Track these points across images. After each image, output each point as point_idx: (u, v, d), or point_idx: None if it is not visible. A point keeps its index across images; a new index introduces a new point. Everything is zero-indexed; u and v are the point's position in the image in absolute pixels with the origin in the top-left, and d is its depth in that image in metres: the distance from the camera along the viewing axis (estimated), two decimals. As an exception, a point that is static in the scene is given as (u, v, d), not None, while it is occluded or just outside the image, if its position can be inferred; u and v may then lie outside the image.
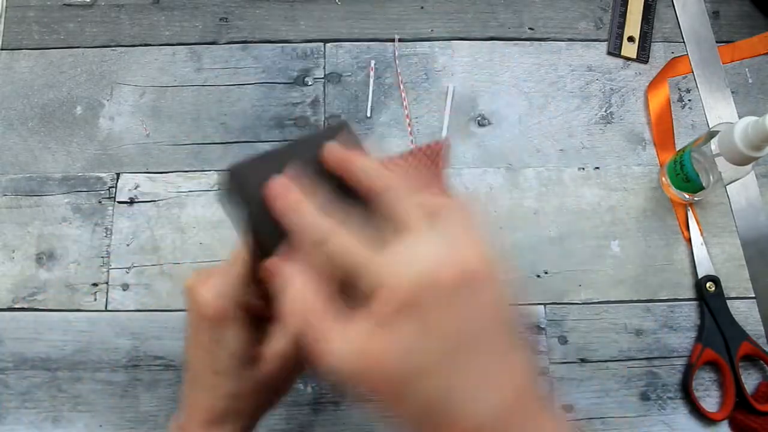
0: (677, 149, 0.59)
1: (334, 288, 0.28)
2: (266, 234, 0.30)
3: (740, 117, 0.57)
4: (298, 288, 0.28)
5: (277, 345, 0.33)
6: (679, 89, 0.62)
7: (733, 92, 0.62)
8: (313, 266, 0.28)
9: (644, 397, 0.54)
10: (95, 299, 0.55)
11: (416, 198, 0.28)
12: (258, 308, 0.34)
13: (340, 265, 0.27)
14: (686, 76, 0.62)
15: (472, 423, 0.26)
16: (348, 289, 0.27)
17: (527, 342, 0.27)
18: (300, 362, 0.33)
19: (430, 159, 0.38)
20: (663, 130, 0.61)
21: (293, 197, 0.29)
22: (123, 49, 0.62)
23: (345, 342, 0.26)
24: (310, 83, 0.61)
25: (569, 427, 0.28)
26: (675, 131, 0.61)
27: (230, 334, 0.33)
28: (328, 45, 0.63)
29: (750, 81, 0.62)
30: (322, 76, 0.62)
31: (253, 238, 0.32)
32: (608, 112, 0.61)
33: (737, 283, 0.57)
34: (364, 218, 0.29)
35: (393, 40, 0.63)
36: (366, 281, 0.26)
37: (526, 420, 0.27)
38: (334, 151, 0.31)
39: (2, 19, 0.63)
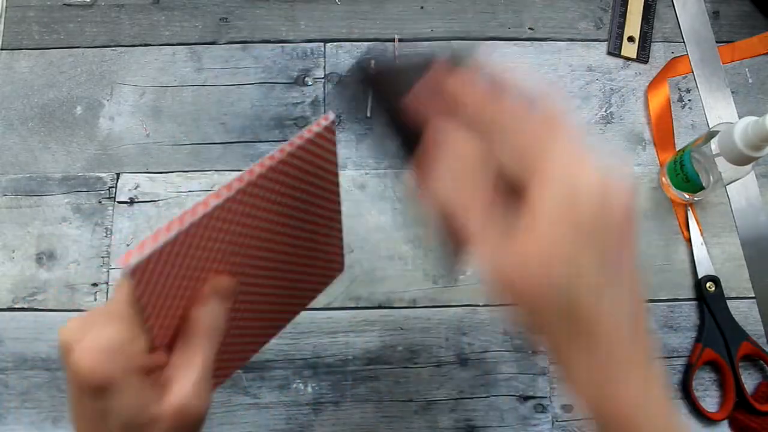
0: (677, 149, 0.59)
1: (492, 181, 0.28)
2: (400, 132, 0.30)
3: (740, 117, 0.57)
4: (459, 178, 0.28)
5: (175, 400, 0.28)
6: (679, 89, 0.62)
7: (733, 92, 0.62)
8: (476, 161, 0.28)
9: None
10: (95, 299, 0.55)
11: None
12: (154, 360, 0.29)
13: (510, 158, 0.27)
14: (686, 76, 0.62)
15: (612, 344, 0.28)
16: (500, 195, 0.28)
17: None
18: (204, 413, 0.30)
19: (322, 144, 0.34)
20: (663, 130, 0.61)
21: (461, 82, 0.29)
22: (123, 49, 0.62)
23: (502, 253, 0.27)
24: (310, 83, 0.61)
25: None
26: (675, 131, 0.61)
27: (119, 402, 0.27)
28: (328, 45, 0.63)
29: (750, 81, 0.62)
30: (322, 76, 0.62)
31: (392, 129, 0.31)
32: (608, 112, 0.61)
33: (737, 283, 0.57)
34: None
35: (393, 40, 0.63)
36: (536, 186, 0.27)
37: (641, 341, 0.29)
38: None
39: (2, 19, 0.63)
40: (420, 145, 0.30)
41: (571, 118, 0.28)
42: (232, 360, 0.38)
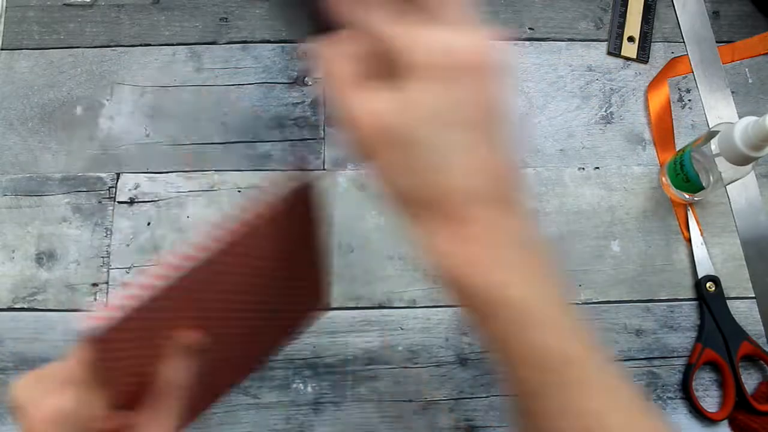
0: (677, 149, 0.59)
1: (369, 67, 0.28)
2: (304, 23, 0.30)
3: (740, 117, 0.56)
4: (335, 60, 0.28)
5: None
6: (679, 89, 0.62)
7: (733, 92, 0.62)
8: (352, 46, 0.28)
9: (644, 397, 0.54)
10: (95, 299, 0.55)
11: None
12: (116, 422, 0.29)
13: (378, 40, 0.27)
14: (686, 76, 0.62)
15: (454, 192, 0.26)
16: (381, 71, 0.28)
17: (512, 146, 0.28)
18: None
19: (295, 208, 0.33)
20: (663, 130, 0.61)
21: None
22: (123, 49, 0.62)
23: (361, 101, 0.27)
24: (310, 83, 0.61)
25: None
26: (675, 131, 0.61)
27: None
28: (328, 45, 0.62)
29: (750, 81, 0.62)
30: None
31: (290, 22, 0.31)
32: (608, 112, 0.61)
33: (737, 283, 0.57)
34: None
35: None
36: (397, 52, 0.27)
37: (508, 210, 0.27)
38: None
39: (2, 19, 0.63)
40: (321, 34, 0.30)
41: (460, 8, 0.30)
42: (201, 404, 0.38)
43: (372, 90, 0.27)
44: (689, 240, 0.58)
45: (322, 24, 0.30)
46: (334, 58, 0.28)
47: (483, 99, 0.27)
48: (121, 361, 0.29)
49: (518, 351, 0.27)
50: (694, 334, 0.55)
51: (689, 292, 0.57)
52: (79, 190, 0.58)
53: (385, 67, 0.27)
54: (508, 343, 0.27)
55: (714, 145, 0.50)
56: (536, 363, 0.27)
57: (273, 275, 0.35)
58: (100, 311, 0.26)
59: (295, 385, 0.53)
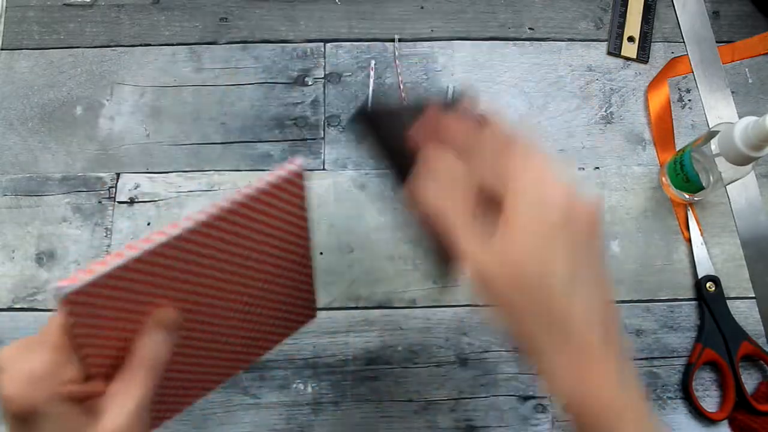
0: (677, 149, 0.59)
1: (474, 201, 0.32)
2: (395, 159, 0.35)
3: (740, 117, 0.57)
4: (449, 181, 0.32)
5: (109, 427, 0.29)
6: (679, 89, 0.62)
7: (733, 92, 0.62)
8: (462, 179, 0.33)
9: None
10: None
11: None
12: (88, 389, 0.30)
13: (489, 175, 0.32)
14: (686, 76, 0.62)
15: (585, 337, 0.30)
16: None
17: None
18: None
19: (289, 189, 0.34)
20: (663, 130, 0.61)
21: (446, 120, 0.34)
22: (123, 49, 0.62)
23: (480, 244, 0.31)
24: (310, 83, 0.61)
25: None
26: (675, 131, 0.61)
27: (47, 429, 0.27)
28: (328, 45, 0.63)
29: (750, 81, 0.62)
30: (322, 76, 0.62)
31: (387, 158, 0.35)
32: (608, 112, 0.61)
33: (737, 283, 0.57)
34: None
35: (393, 40, 0.63)
36: (510, 198, 0.30)
37: (613, 346, 0.31)
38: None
39: (2, 19, 0.63)
40: (413, 169, 0.34)
41: (541, 147, 0.32)
42: (181, 398, 0.38)
43: (487, 238, 0.31)
44: (689, 240, 0.58)
45: (400, 155, 0.34)
46: (444, 185, 0.33)
47: (594, 255, 0.31)
48: (96, 327, 0.29)
49: None
50: (694, 334, 0.55)
51: (689, 292, 0.57)
52: (79, 190, 0.58)
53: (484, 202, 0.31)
54: None
55: (714, 145, 0.50)
56: None
57: (259, 267, 0.36)
58: (75, 274, 0.27)
59: (295, 385, 0.53)
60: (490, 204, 0.32)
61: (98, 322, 0.29)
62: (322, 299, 0.54)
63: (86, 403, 0.29)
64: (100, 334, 0.30)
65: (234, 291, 0.35)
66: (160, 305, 0.32)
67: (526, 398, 0.54)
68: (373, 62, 0.62)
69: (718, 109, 0.61)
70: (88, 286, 0.28)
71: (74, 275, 0.27)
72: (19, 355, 0.28)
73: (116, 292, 0.29)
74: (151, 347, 0.31)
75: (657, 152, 0.60)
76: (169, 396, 0.36)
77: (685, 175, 0.54)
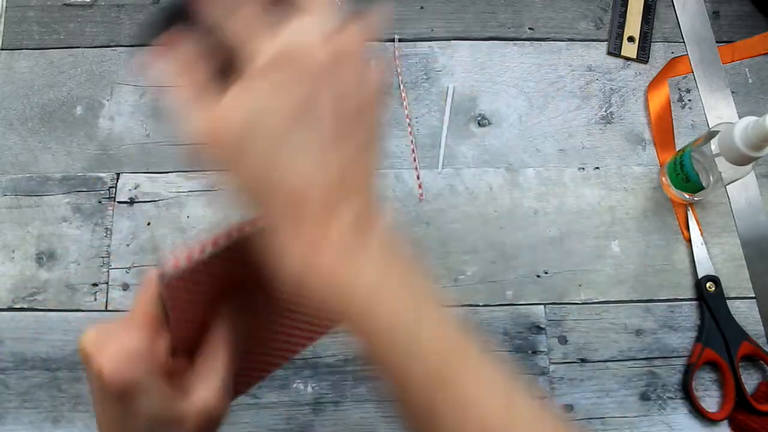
0: (677, 149, 0.59)
1: (215, 69, 0.28)
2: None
3: (740, 117, 0.57)
4: (175, 65, 0.28)
5: (199, 401, 0.29)
6: (679, 89, 0.62)
7: (733, 92, 0.62)
8: (202, 47, 0.28)
9: (644, 397, 0.54)
10: (95, 299, 0.55)
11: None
12: (174, 365, 0.30)
13: (229, 47, 0.27)
14: (686, 76, 0.62)
15: (292, 191, 0.26)
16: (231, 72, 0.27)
17: (377, 140, 0.28)
18: (227, 406, 0.32)
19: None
20: (663, 130, 0.61)
21: None
22: (123, 49, 0.62)
23: (203, 107, 0.27)
24: (310, 83, 0.61)
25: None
26: (675, 131, 0.61)
27: (144, 404, 0.28)
28: (328, 45, 0.62)
29: (750, 81, 0.62)
30: (322, 76, 0.62)
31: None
32: (608, 112, 0.61)
33: (737, 283, 0.57)
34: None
35: (393, 40, 0.63)
36: (246, 55, 0.26)
37: (350, 208, 0.27)
38: None
39: (2, 19, 0.63)
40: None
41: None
42: (247, 377, 0.39)
43: (213, 96, 0.27)
44: (689, 240, 0.58)
45: (179, 21, 0.29)
46: (177, 64, 0.29)
47: (323, 97, 0.26)
48: (184, 309, 0.30)
49: (391, 348, 0.28)
50: (694, 334, 0.55)
51: (689, 292, 0.57)
52: (79, 190, 0.58)
53: (231, 69, 0.27)
54: (378, 337, 0.28)
55: (714, 145, 0.50)
56: (414, 359, 0.27)
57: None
58: (180, 255, 0.28)
59: (295, 385, 0.53)
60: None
61: (186, 304, 0.30)
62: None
63: (173, 378, 0.30)
64: (185, 315, 0.31)
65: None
66: (233, 288, 0.33)
67: (526, 398, 0.54)
68: (373, 62, 0.62)
69: (718, 109, 0.61)
70: (188, 272, 0.28)
71: (175, 256, 0.28)
72: (112, 333, 0.28)
73: (204, 277, 0.30)
74: (230, 328, 0.32)
75: (657, 152, 0.60)
76: (241, 375, 0.37)
77: (685, 175, 0.54)
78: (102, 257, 0.56)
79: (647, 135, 0.61)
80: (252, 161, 0.26)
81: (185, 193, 0.58)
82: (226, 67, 0.28)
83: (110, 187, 0.58)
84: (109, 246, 0.57)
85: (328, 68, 0.26)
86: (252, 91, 0.26)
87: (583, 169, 0.60)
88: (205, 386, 0.30)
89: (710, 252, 0.57)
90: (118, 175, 0.59)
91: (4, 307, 0.55)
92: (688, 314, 0.56)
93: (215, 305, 0.32)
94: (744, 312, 0.56)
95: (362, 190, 0.28)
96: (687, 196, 0.57)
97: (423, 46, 0.63)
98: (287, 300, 0.37)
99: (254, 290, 0.34)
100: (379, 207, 0.28)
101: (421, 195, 0.58)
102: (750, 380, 0.55)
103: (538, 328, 0.55)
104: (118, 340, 0.28)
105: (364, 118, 0.27)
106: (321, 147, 0.26)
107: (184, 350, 0.32)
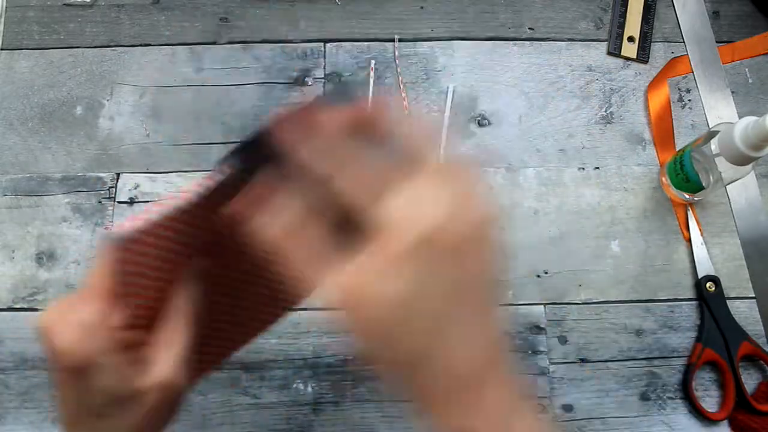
0: (677, 149, 0.59)
1: (326, 228, 0.27)
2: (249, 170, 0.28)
3: (740, 117, 0.57)
4: (289, 218, 0.27)
5: (158, 375, 0.29)
6: (679, 89, 0.62)
7: (733, 92, 0.62)
8: (308, 203, 0.27)
9: (644, 397, 0.54)
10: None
11: (433, 148, 0.28)
12: (132, 337, 0.29)
13: (343, 204, 0.26)
14: (686, 76, 0.62)
15: (453, 372, 0.26)
16: (340, 232, 0.27)
17: (499, 304, 0.29)
18: (191, 380, 0.31)
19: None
20: (663, 130, 0.61)
21: (301, 131, 0.27)
22: (123, 49, 0.62)
23: (341, 274, 0.26)
24: (310, 83, 0.61)
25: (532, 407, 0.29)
26: (675, 131, 0.61)
27: (100, 379, 0.27)
28: (328, 45, 0.63)
29: (750, 81, 0.62)
30: (322, 76, 0.62)
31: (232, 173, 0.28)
32: (608, 112, 0.61)
33: (737, 283, 0.57)
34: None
35: (393, 40, 0.63)
36: (371, 222, 0.26)
37: (498, 377, 0.28)
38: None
39: (2, 19, 0.63)
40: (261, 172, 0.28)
41: (433, 156, 0.27)
42: (213, 353, 0.38)
43: (349, 259, 0.26)
44: (689, 240, 0.58)
45: (263, 157, 0.28)
46: (282, 225, 0.27)
47: (479, 272, 0.27)
48: (139, 276, 0.29)
49: None
50: (694, 334, 0.55)
51: (689, 292, 0.57)
52: (79, 190, 0.58)
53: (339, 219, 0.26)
54: None
55: (714, 145, 0.50)
56: None
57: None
58: (127, 221, 0.27)
59: (295, 385, 0.53)
60: (346, 224, 0.27)
61: (142, 270, 0.29)
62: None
63: (131, 351, 0.29)
64: (142, 283, 0.29)
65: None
66: (191, 258, 0.31)
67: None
68: (373, 62, 0.62)
69: (718, 109, 0.61)
70: (139, 233, 0.27)
71: (123, 223, 0.27)
72: (66, 307, 0.27)
73: (160, 241, 0.29)
74: (189, 298, 0.31)
75: (657, 152, 0.60)
76: (207, 347, 0.36)
77: (685, 175, 0.54)
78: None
79: (647, 135, 0.61)
80: (412, 340, 0.26)
81: (185, 193, 0.58)
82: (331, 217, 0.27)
83: (110, 187, 0.58)
84: (109, 246, 0.57)
85: (465, 245, 0.26)
86: (400, 273, 0.25)
87: (583, 169, 0.60)
88: (164, 359, 0.29)
89: (710, 252, 0.57)
90: (118, 175, 0.59)
91: (4, 307, 0.55)
92: (688, 314, 0.56)
93: (176, 274, 0.31)
94: (744, 312, 0.56)
95: (503, 350, 0.28)
96: (687, 196, 0.57)
97: (423, 46, 0.63)
98: (251, 264, 0.35)
99: (216, 255, 0.33)
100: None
101: (421, 195, 0.58)
102: (750, 380, 0.55)
103: (538, 328, 0.55)
104: (72, 314, 0.27)
105: (493, 283, 0.28)
106: (470, 321, 0.27)
107: (145, 322, 0.31)
